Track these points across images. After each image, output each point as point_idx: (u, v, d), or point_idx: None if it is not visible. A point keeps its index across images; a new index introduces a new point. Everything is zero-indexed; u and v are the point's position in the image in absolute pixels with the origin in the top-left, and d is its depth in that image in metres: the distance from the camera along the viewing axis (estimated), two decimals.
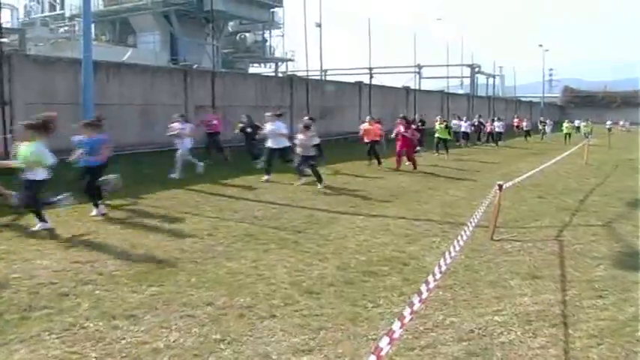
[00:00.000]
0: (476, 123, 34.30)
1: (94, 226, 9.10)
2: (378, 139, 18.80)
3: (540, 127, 42.14)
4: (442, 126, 23.79)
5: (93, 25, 21.09)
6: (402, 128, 18.25)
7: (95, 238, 8.33)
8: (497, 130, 32.92)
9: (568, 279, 6.68)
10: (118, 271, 6.72)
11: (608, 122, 55.41)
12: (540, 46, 76.22)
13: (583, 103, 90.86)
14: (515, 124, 42.69)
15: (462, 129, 31.12)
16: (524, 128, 39.21)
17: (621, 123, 60.16)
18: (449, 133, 24.87)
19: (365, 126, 19.16)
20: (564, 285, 6.44)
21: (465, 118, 32.86)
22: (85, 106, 15.65)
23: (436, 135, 23.75)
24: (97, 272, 6.66)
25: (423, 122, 26.58)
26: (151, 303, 5.69)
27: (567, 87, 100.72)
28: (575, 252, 7.92)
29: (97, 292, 6.00)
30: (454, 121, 31.90)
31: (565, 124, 37.75)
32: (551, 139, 40.22)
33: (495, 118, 35.17)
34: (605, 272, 6.98)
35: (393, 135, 18.69)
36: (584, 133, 37.94)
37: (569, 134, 36.37)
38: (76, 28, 41.31)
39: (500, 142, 32.47)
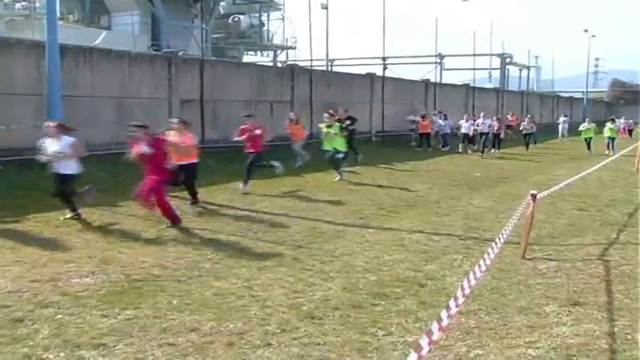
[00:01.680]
0: (482, 123, 28.16)
1: (58, 238, 9.11)
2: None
3: (528, 128, 30.86)
4: (331, 130, 16.66)
5: (58, 2, 21.06)
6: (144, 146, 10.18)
7: (60, 252, 8.33)
8: (481, 131, 27.63)
9: (616, 307, 6.63)
10: (86, 292, 6.71)
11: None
12: (585, 31, 76.06)
13: (635, 99, 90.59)
14: (508, 123, 35.55)
15: (463, 130, 27.70)
16: (524, 131, 30.91)
17: None
18: (350, 141, 19.07)
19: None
20: (611, 314, 6.40)
21: (466, 117, 28.85)
22: (51, 98, 15.68)
23: (325, 144, 17.04)
24: (61, 292, 6.65)
25: (352, 120, 21.87)
26: (124, 329, 5.67)
27: (616, 80, 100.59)
28: (623, 275, 7.88)
29: (60, 316, 5.98)
30: (436, 119, 29.84)
31: (584, 125, 31.22)
32: (555, 146, 33.59)
33: (481, 115, 29.32)
34: None
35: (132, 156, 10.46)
36: (586, 139, 30.18)
37: (590, 139, 29.85)
38: (37, 4, 41.09)
39: (488, 151, 27.29)
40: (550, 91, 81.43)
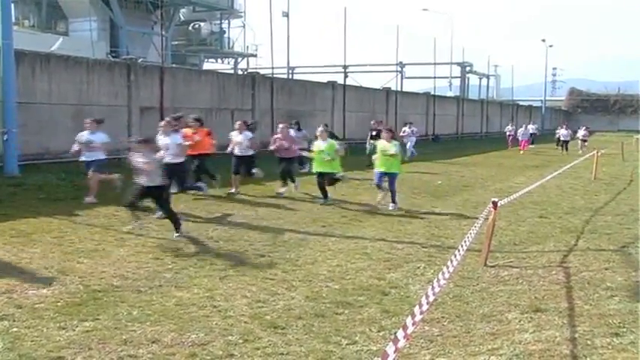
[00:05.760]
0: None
1: (14, 248, 8.92)
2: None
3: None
4: None
5: (12, 6, 20.74)
6: None
7: (15, 263, 8.15)
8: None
9: (577, 313, 6.73)
10: (43, 303, 6.57)
11: (562, 132, 37.87)
12: (543, 41, 77.53)
13: (593, 107, 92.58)
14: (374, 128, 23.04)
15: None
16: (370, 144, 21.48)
17: (581, 133, 38.93)
18: None
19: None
20: (572, 320, 6.49)
21: (281, 127, 15.84)
22: (6, 105, 15.44)
23: None
24: (15, 305, 6.51)
25: None
26: (83, 341, 5.57)
27: (573, 89, 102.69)
28: (584, 281, 8.00)
29: (15, 329, 5.85)
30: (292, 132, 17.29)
31: (379, 143, 14.20)
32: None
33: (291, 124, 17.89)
34: (620, 305, 7.02)
35: None
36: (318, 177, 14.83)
37: (322, 176, 14.27)
38: None
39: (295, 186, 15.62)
40: (509, 99, 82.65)
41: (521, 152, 35.56)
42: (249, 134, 15.37)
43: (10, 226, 10.45)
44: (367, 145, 23.05)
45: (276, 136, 15.53)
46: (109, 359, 5.23)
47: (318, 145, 14.15)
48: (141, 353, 5.35)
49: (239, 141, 15.15)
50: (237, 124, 15.52)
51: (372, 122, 24.46)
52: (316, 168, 14.20)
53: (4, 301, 6.60)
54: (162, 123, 12.90)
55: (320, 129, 14.74)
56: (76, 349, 5.39)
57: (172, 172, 11.69)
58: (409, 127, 29.25)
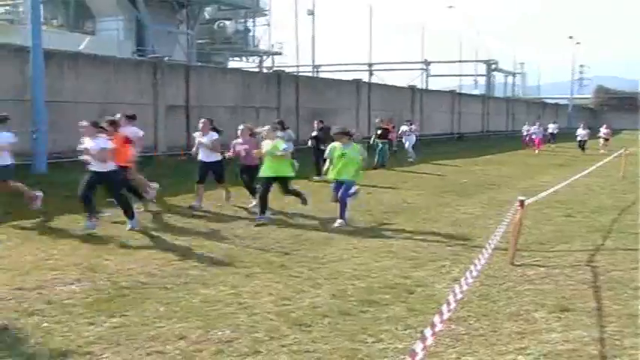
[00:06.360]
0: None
1: (43, 245, 9.03)
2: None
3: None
4: None
5: (42, 6, 20.99)
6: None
7: (45, 260, 8.26)
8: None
9: (605, 313, 6.67)
10: (72, 299, 6.66)
11: (580, 132, 35.25)
12: (570, 38, 76.91)
13: (620, 105, 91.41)
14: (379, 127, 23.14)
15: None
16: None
17: (603, 131, 37.71)
18: None
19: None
20: (601, 320, 6.43)
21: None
22: (35, 103, 15.64)
23: None
24: (46, 300, 6.60)
25: None
26: (111, 337, 5.64)
27: (600, 87, 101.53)
28: (612, 280, 7.92)
29: (45, 324, 5.93)
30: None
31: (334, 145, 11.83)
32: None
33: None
34: None
35: None
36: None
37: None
38: (21, 9, 41.00)
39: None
40: (535, 97, 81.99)
41: (536, 152, 33.64)
42: (214, 135, 12.90)
43: (39, 223, 10.59)
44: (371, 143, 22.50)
45: (236, 141, 13.02)
46: (137, 355, 5.28)
47: (266, 145, 11.67)
48: (168, 349, 5.39)
49: (203, 142, 12.78)
50: (201, 122, 13.11)
51: (376, 120, 23.81)
52: (265, 172, 11.62)
53: (35, 297, 6.70)
54: (85, 123, 10.77)
55: (267, 127, 12.26)
56: (105, 345, 5.45)
57: (100, 182, 10.55)
58: (408, 126, 27.28)
